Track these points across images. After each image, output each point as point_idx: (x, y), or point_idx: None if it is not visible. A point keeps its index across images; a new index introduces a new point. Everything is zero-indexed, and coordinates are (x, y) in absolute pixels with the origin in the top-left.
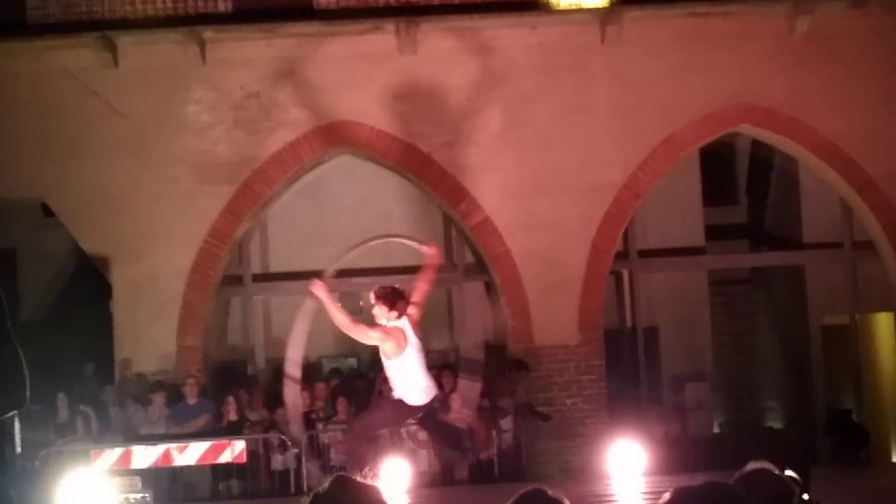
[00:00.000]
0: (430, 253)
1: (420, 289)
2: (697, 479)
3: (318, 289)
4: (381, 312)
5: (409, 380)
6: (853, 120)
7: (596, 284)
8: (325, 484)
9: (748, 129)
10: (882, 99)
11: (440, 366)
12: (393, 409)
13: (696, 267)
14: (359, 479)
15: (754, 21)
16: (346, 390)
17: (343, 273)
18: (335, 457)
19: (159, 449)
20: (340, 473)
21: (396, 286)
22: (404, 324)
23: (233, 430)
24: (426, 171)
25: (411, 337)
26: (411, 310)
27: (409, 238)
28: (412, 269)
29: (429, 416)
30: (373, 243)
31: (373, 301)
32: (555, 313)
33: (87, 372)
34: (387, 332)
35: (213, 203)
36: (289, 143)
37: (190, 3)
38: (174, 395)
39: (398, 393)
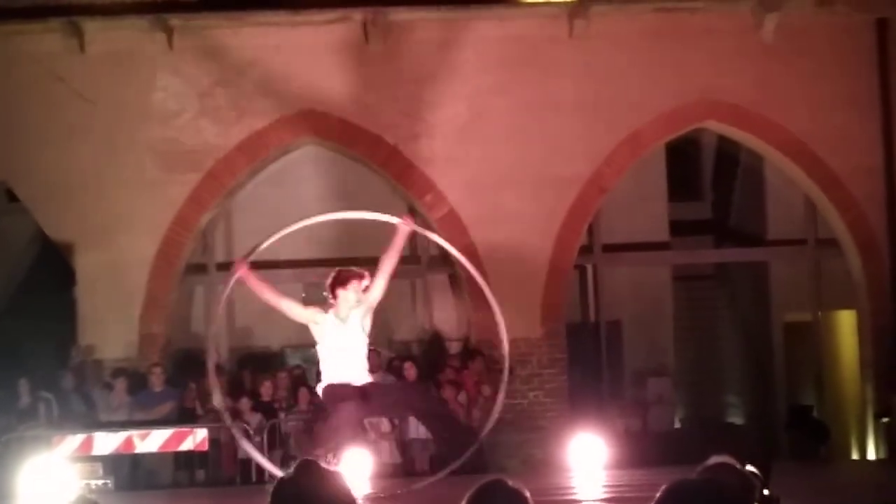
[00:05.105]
0: (402, 227)
1: (382, 265)
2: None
3: (243, 270)
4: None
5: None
6: (819, 117)
7: (559, 278)
8: (291, 469)
9: (714, 125)
10: (848, 97)
11: (403, 357)
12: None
13: (660, 262)
14: (323, 465)
15: (722, 17)
16: (308, 380)
17: (308, 263)
18: (294, 446)
19: (121, 436)
20: (306, 458)
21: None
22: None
23: (200, 418)
24: (392, 162)
25: (334, 321)
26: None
27: (374, 214)
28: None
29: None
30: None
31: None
32: (518, 306)
33: (75, 359)
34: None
35: (178, 191)
36: (255, 132)
37: None
38: (136, 382)
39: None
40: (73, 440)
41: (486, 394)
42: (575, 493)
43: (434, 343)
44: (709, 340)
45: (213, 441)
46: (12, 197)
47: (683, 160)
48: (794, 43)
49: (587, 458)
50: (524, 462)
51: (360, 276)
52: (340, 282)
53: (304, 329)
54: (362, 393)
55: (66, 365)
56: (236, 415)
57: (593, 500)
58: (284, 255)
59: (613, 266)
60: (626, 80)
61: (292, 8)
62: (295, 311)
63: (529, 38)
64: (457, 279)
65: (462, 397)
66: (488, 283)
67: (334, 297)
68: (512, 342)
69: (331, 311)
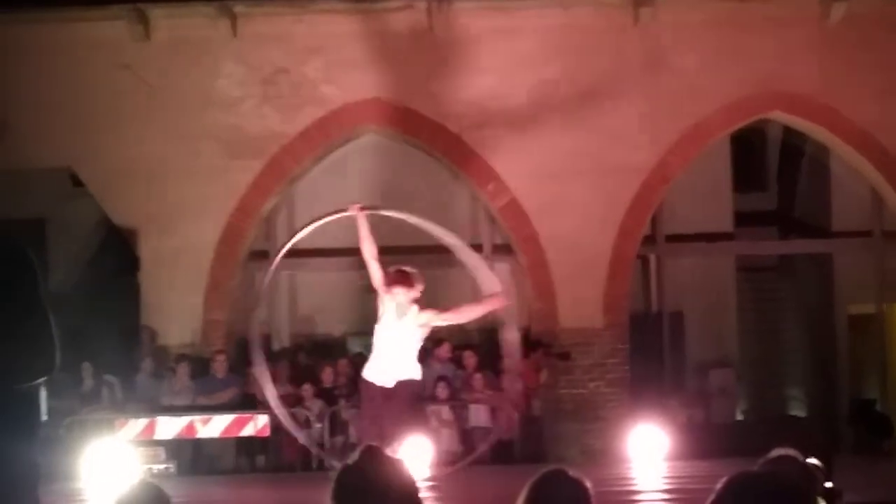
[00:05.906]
0: (496, 302)
1: (461, 311)
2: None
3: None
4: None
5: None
6: (886, 108)
7: (622, 268)
8: (355, 455)
9: (780, 116)
10: None
11: (463, 345)
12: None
13: (723, 253)
14: (387, 452)
15: (789, 6)
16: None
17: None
18: (354, 433)
19: (183, 421)
20: (370, 444)
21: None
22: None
23: (260, 404)
24: (454, 150)
25: (396, 310)
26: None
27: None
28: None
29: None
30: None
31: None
32: (580, 296)
33: (150, 344)
34: (389, 288)
35: (241, 178)
36: (317, 119)
37: None
38: (198, 368)
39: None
40: (136, 424)
41: (542, 380)
42: (635, 484)
43: (495, 332)
44: (772, 332)
45: (275, 427)
46: (77, 182)
47: (748, 150)
48: (862, 32)
49: (648, 449)
50: (584, 452)
51: (404, 284)
52: (396, 281)
53: (365, 317)
54: (386, 394)
55: (135, 350)
56: (298, 401)
57: (654, 491)
58: (344, 244)
59: (677, 257)
60: (691, 70)
61: None
62: (375, 277)
63: (594, 26)
64: (520, 268)
65: (521, 386)
66: (550, 273)
67: (390, 290)
68: (574, 332)
69: (397, 299)
